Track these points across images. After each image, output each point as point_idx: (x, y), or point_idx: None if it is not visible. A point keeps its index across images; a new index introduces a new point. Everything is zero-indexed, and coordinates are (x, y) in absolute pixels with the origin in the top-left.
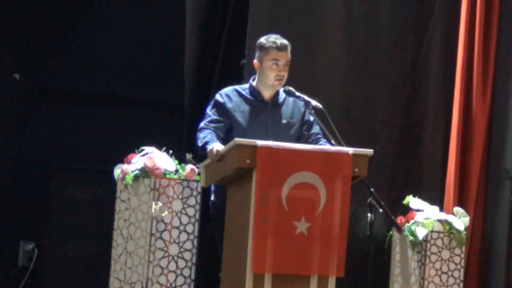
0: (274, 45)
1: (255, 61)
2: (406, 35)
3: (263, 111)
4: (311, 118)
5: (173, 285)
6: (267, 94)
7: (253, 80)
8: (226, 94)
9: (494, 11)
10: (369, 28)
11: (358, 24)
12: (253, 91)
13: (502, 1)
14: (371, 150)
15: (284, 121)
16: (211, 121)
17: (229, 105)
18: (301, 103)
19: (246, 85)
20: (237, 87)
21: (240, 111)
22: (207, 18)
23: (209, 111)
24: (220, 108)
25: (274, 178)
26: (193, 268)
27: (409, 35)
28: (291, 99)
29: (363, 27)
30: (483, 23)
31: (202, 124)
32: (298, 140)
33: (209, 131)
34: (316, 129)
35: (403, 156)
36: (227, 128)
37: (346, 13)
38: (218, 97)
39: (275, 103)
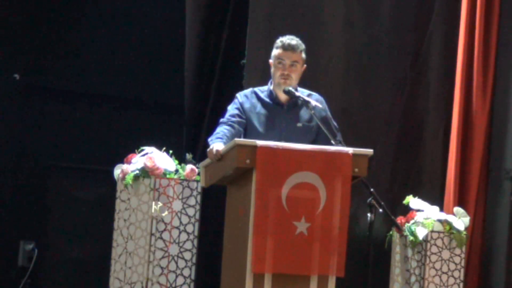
0: (281, 44)
1: (270, 60)
2: (406, 35)
3: (279, 114)
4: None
5: (173, 285)
6: (282, 96)
7: (271, 83)
8: (245, 95)
9: (494, 11)
10: (369, 28)
11: (358, 24)
12: (270, 94)
13: (502, 1)
14: (371, 150)
15: (299, 124)
16: (232, 115)
17: (246, 105)
18: (321, 107)
19: (265, 87)
20: (256, 89)
21: (256, 112)
22: (207, 18)
23: (230, 107)
24: (240, 106)
25: (274, 178)
26: (193, 268)
27: (409, 35)
28: None
29: (363, 27)
30: (483, 23)
31: (223, 119)
32: (314, 143)
33: (227, 126)
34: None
35: (403, 156)
36: (245, 126)
37: (346, 13)
38: (238, 96)
39: (292, 106)
